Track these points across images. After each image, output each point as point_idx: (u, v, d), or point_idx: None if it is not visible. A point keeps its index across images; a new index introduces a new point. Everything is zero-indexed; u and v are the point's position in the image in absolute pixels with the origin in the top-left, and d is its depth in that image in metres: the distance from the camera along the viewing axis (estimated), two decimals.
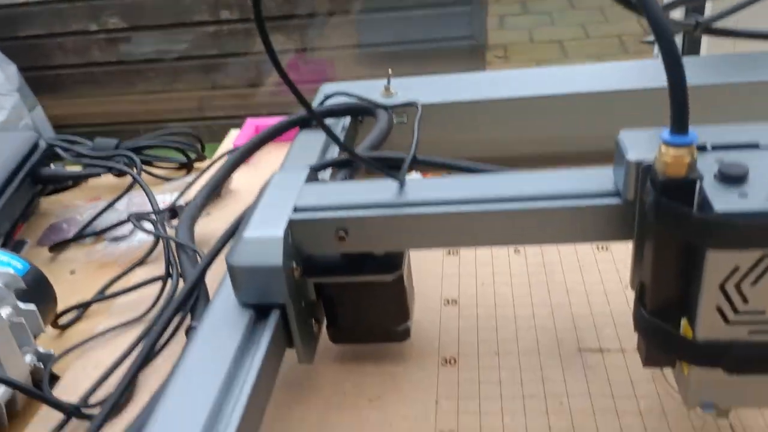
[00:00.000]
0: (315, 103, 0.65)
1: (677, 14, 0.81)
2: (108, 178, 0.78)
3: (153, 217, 0.63)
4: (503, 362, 0.49)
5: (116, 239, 0.72)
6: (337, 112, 0.63)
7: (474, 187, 0.43)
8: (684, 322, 0.35)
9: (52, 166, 0.78)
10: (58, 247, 0.70)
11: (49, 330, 0.59)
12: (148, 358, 0.46)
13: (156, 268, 0.64)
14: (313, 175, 0.49)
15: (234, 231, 0.48)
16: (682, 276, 0.34)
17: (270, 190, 0.46)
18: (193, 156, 0.81)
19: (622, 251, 0.58)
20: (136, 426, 0.40)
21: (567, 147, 0.62)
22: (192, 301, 0.48)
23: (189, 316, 0.49)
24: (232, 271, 0.42)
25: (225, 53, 1.73)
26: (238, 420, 0.36)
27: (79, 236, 0.70)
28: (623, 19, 2.87)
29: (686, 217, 0.32)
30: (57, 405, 0.47)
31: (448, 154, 0.50)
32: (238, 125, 0.85)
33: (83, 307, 0.61)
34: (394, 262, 0.46)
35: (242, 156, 0.62)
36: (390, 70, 0.65)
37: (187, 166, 0.81)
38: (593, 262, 0.57)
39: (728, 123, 0.38)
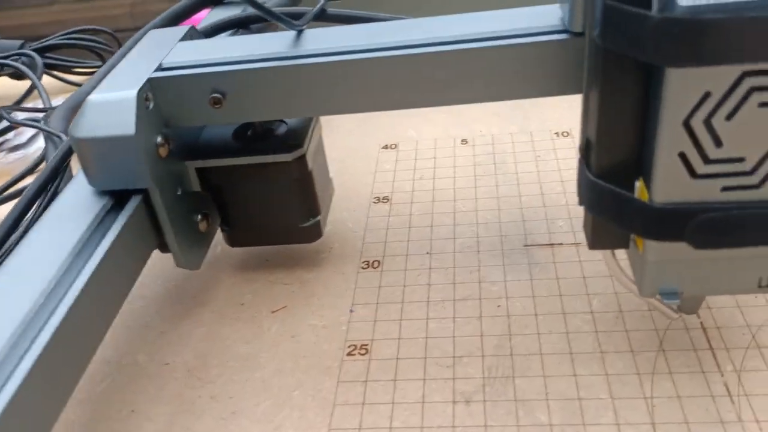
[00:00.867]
0: None
1: None
2: (5, 81, 0.68)
3: (39, 115, 0.54)
4: (435, 263, 0.40)
5: (16, 148, 0.63)
6: None
7: (389, 32, 0.33)
8: (639, 183, 0.27)
9: None
10: None
11: None
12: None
13: None
14: (200, 37, 0.39)
15: None
16: (638, 121, 0.26)
17: (136, 49, 0.37)
18: (108, 57, 0.71)
19: None
20: None
21: None
22: (52, 188, 0.39)
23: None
24: (75, 146, 0.33)
25: None
26: (57, 323, 0.27)
27: None
28: None
29: (640, 21, 0.22)
30: None
31: None
32: None
33: None
34: (294, 138, 0.37)
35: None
36: None
37: None
38: (550, 149, 0.48)
39: None
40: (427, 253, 0.41)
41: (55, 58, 0.70)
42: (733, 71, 0.22)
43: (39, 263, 0.30)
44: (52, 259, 0.30)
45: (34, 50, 0.68)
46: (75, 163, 0.36)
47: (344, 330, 0.37)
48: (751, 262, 0.27)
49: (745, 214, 0.25)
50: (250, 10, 0.42)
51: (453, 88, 0.32)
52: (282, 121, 0.38)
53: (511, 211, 0.43)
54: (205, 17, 0.53)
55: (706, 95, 0.23)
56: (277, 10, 0.40)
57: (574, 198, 0.31)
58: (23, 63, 0.65)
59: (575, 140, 0.49)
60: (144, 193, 0.34)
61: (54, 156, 0.38)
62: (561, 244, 0.40)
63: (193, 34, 0.38)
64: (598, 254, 0.32)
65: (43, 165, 0.53)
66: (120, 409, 0.35)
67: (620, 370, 0.32)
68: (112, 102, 0.32)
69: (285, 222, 0.39)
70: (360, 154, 0.52)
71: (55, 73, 0.70)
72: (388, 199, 0.47)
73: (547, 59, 0.30)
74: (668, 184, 0.25)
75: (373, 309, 0.38)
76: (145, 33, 0.41)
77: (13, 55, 0.66)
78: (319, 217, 0.39)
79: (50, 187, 0.38)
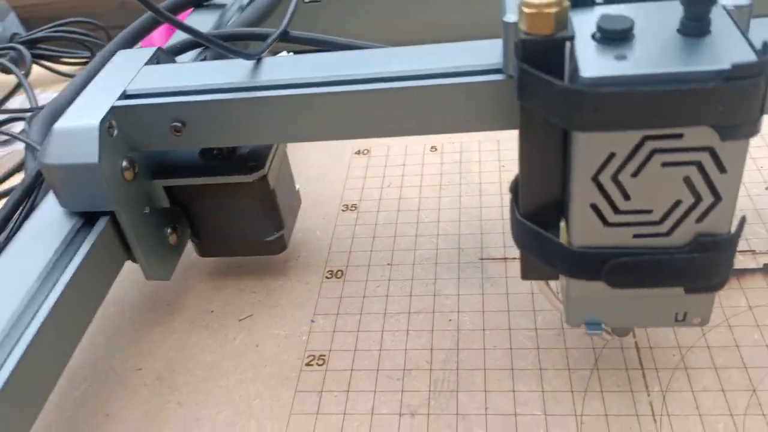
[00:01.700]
0: None
1: None
2: None
3: (27, 115, 0.56)
4: (394, 274, 0.42)
5: (4, 143, 0.65)
6: None
7: (340, 64, 0.35)
8: (563, 226, 0.29)
9: None
10: None
11: None
12: None
13: None
14: (167, 58, 0.41)
15: None
16: (558, 170, 0.27)
17: (104, 71, 0.38)
18: (97, 49, 0.72)
19: None
20: None
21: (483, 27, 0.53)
22: (28, 203, 0.41)
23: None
24: (44, 170, 0.35)
25: None
26: (31, 336, 0.30)
27: None
28: None
29: (548, 88, 0.24)
30: None
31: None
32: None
33: None
34: (257, 161, 0.39)
35: (131, 40, 0.54)
36: None
37: None
38: (515, 158, 0.50)
39: None
40: (388, 264, 0.43)
41: (44, 48, 0.72)
42: (634, 136, 0.24)
43: (17, 275, 0.33)
44: (28, 272, 0.33)
45: (23, 42, 0.69)
46: None
47: (304, 340, 0.39)
48: (666, 300, 0.29)
49: (657, 259, 0.27)
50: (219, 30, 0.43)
51: (398, 121, 0.33)
52: None
53: (471, 223, 0.45)
54: (186, 18, 0.54)
55: (611, 155, 0.24)
56: (239, 31, 0.41)
57: None
58: (11, 58, 0.67)
59: None
60: (111, 213, 0.36)
61: (29, 173, 0.40)
62: (514, 258, 0.42)
63: (159, 56, 0.40)
64: None
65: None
66: (96, 413, 0.37)
67: (556, 386, 0.34)
68: (77, 131, 0.34)
69: (251, 235, 0.41)
70: (333, 160, 0.53)
71: (45, 63, 0.72)
72: (356, 207, 0.48)
73: (485, 97, 0.31)
74: (584, 230, 0.27)
75: (333, 319, 0.40)
76: (116, 47, 0.43)
77: (2, 49, 0.67)
78: (283, 231, 0.41)
79: (26, 202, 0.40)
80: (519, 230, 0.30)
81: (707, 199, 0.25)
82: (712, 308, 0.29)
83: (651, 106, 0.23)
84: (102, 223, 0.36)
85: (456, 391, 0.35)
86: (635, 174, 0.25)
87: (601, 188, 0.25)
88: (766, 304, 0.36)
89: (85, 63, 0.73)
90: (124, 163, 0.36)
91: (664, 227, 0.26)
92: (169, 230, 0.40)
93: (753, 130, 0.24)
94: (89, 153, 0.34)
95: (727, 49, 0.23)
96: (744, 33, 0.24)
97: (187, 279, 0.45)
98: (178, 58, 0.43)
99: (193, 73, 0.36)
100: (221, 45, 0.35)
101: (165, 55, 0.41)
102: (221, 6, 0.55)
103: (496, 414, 0.34)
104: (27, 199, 0.41)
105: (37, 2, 0.93)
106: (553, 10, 0.24)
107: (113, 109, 0.35)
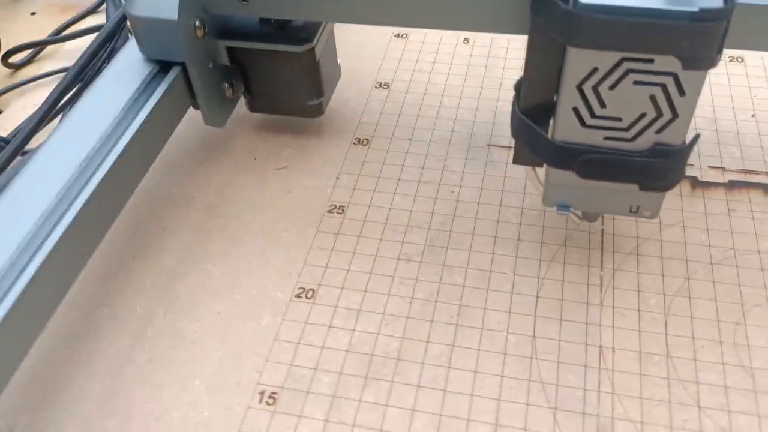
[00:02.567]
0: None
1: None
2: None
3: None
4: (412, 148, 0.49)
5: None
6: None
7: None
8: (552, 123, 0.35)
9: None
10: None
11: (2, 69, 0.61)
12: (63, 95, 0.47)
13: None
14: None
15: None
16: (554, 77, 0.33)
17: None
18: None
19: None
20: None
21: None
22: (111, 45, 0.48)
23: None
24: (129, 20, 0.41)
25: None
26: (113, 160, 0.38)
27: None
28: None
29: (555, 8, 0.30)
30: None
31: None
32: None
33: (34, 47, 0.62)
34: (307, 34, 0.45)
35: None
36: None
37: None
38: None
39: None
40: (408, 139, 0.50)
41: None
42: (614, 56, 0.30)
43: (99, 113, 0.40)
44: (113, 106, 0.40)
45: None
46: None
47: (329, 192, 0.47)
48: (623, 193, 0.35)
49: (620, 158, 0.33)
50: None
51: (432, 15, 0.39)
52: None
53: (486, 113, 0.51)
54: None
55: (595, 69, 0.30)
56: None
57: None
58: None
59: None
60: (183, 65, 0.43)
61: (111, 19, 0.47)
62: None
63: None
64: None
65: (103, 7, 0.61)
66: (154, 226, 0.46)
67: (528, 255, 0.42)
68: None
69: (294, 99, 0.48)
70: (374, 40, 0.59)
71: None
72: (388, 86, 0.55)
73: (511, 5, 0.37)
74: (565, 128, 0.33)
75: (355, 179, 0.48)
76: None
77: None
78: (322, 99, 0.48)
79: (108, 45, 0.47)
80: (516, 123, 0.36)
81: (667, 115, 0.31)
82: (661, 205, 0.36)
83: (631, 34, 0.29)
84: (174, 72, 0.43)
85: (446, 248, 0.43)
86: (612, 87, 0.31)
87: (583, 95, 0.32)
88: (719, 212, 0.43)
89: None
90: (197, 23, 0.42)
91: (630, 134, 0.33)
92: (226, 85, 0.47)
93: (711, 63, 0.29)
94: (170, 9, 0.40)
95: None
96: None
97: (236, 129, 0.52)
98: None
99: None
100: None
101: None
102: None
103: (475, 269, 0.41)
104: (109, 42, 0.47)
105: None
106: None
107: None
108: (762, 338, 0.36)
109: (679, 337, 0.37)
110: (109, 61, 0.48)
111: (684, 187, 0.45)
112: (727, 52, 0.54)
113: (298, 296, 0.40)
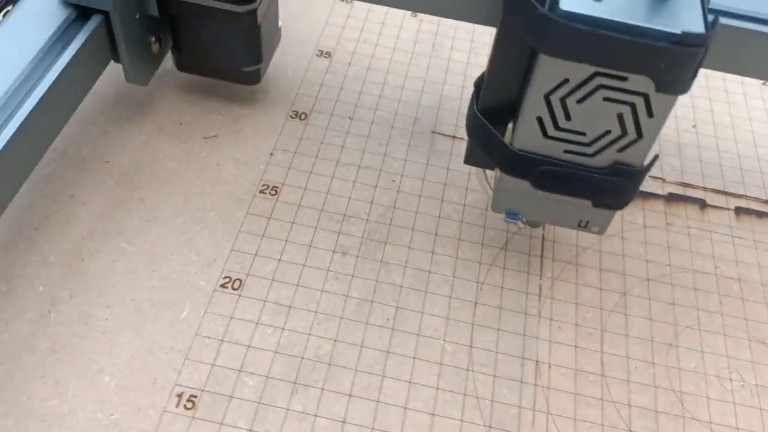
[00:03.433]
0: None
1: None
2: None
3: None
4: (353, 128, 0.46)
5: None
6: None
7: None
8: (510, 127, 0.33)
9: None
10: None
11: None
12: None
13: None
14: None
15: None
16: (518, 81, 0.31)
17: None
18: None
19: None
20: None
21: None
22: None
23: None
24: None
25: None
26: (23, 119, 0.33)
27: None
28: None
29: (530, 10, 0.27)
30: None
31: None
32: None
33: None
34: None
35: None
36: None
37: None
38: (486, 43, 0.53)
39: None
40: (350, 117, 0.47)
41: None
42: (587, 69, 0.28)
43: (4, 63, 0.35)
44: (16, 62, 0.35)
45: None
46: None
47: (262, 169, 0.43)
48: (575, 207, 0.34)
49: (577, 173, 0.32)
50: None
51: None
52: None
53: (431, 96, 0.49)
54: None
55: (565, 81, 0.29)
56: None
57: None
58: None
59: None
60: (105, 13, 0.38)
61: None
62: (462, 138, 0.46)
63: None
64: None
65: None
66: (61, 192, 0.41)
67: (468, 256, 0.40)
68: None
69: (230, 62, 0.44)
70: (317, 3, 0.55)
71: None
72: (330, 55, 0.51)
73: None
74: (526, 136, 0.31)
75: (291, 157, 0.44)
76: None
77: None
78: (260, 65, 0.44)
79: None
80: (473, 122, 0.34)
81: (632, 135, 0.30)
82: (610, 222, 0.35)
83: (608, 48, 0.27)
84: (95, 21, 0.37)
85: (385, 243, 0.41)
86: (580, 101, 0.29)
87: (549, 106, 0.30)
88: (657, 226, 0.43)
89: None
90: None
91: (591, 150, 0.31)
92: (153, 39, 0.42)
93: (684, 88, 0.28)
94: None
95: (684, 16, 0.27)
96: (704, 3, 0.27)
97: (161, 88, 0.47)
98: None
99: None
100: None
101: None
102: None
103: (413, 268, 0.40)
104: None
105: None
106: None
107: None
108: (692, 361, 0.36)
109: (614, 356, 0.36)
110: (16, 1, 0.42)
111: None
112: None
113: (223, 286, 0.37)
